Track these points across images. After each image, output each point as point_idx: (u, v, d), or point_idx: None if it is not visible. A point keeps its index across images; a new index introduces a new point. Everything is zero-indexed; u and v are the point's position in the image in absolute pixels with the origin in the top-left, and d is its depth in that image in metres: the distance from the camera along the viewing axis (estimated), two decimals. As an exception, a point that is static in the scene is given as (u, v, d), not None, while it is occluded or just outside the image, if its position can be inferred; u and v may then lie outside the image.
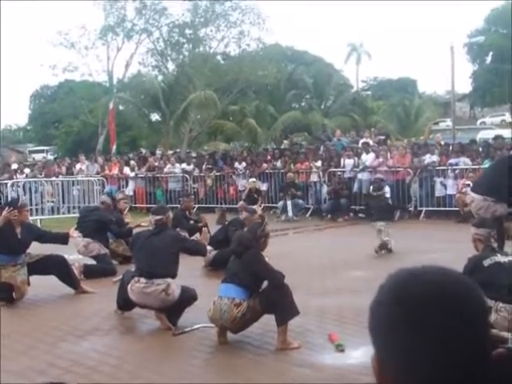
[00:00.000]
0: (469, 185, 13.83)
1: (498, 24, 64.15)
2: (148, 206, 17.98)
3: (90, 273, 8.72)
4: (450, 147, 16.34)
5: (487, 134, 29.36)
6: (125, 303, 6.48)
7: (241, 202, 15.10)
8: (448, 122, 42.87)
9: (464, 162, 14.72)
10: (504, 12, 63.14)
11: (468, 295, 1.05)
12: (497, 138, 15.90)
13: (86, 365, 5.26)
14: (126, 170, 19.08)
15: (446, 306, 1.03)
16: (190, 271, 8.34)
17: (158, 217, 6.48)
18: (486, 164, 14.52)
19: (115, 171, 19.12)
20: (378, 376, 1.09)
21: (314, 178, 16.45)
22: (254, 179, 15.93)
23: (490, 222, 6.02)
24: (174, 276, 6.22)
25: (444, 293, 1.04)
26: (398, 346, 1.05)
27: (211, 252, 8.76)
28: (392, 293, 1.09)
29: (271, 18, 52.35)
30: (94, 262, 9.13)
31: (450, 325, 1.02)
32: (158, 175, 18.43)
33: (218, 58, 36.95)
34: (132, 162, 19.84)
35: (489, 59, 66.13)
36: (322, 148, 18.80)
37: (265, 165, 17.46)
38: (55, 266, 7.70)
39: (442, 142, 17.15)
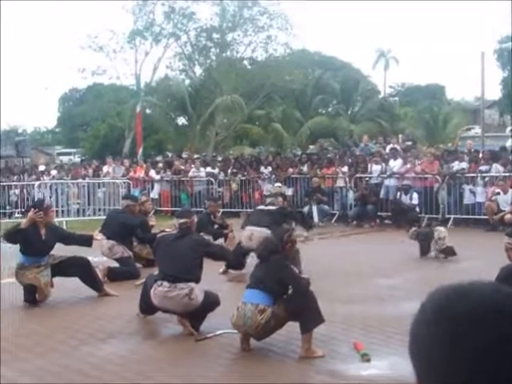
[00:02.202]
0: (499, 193, 13.62)
1: (529, 30, 63.20)
2: (173, 209, 17.96)
3: (113, 275, 8.69)
4: (480, 154, 16.06)
5: (517, 142, 28.88)
6: (147, 307, 6.41)
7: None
8: (477, 129, 42.34)
9: (496, 168, 14.45)
10: (536, 18, 62.25)
11: None
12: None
13: (105, 369, 5.20)
14: (152, 172, 19.10)
15: (499, 325, 0.91)
16: (214, 276, 8.26)
17: (183, 220, 6.41)
18: (517, 172, 14.27)
19: (141, 174, 19.15)
20: None
21: (340, 183, 16.28)
22: (279, 184, 15.80)
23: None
24: (197, 280, 6.14)
25: (496, 310, 0.93)
26: (444, 372, 0.93)
27: None
28: (436, 311, 0.97)
29: (299, 23, 52.26)
30: (117, 265, 9.09)
31: (504, 347, 0.90)
32: (184, 178, 18.41)
33: (245, 62, 36.97)
34: (159, 165, 19.86)
35: (519, 66, 65.22)
36: (348, 153, 18.63)
37: (290, 169, 17.34)
38: (79, 268, 7.67)
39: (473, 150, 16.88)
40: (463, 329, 0.92)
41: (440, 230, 10.50)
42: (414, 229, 10.70)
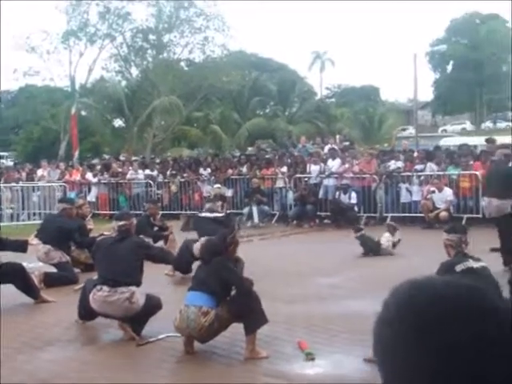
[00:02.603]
0: (434, 191, 13.94)
1: (459, 34, 65.33)
2: (111, 212, 17.65)
3: (50, 281, 8.42)
4: (415, 153, 16.41)
5: (449, 142, 29.77)
6: (86, 313, 6.24)
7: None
8: (411, 130, 43.37)
9: (430, 167, 14.78)
10: (464, 23, 64.39)
11: (489, 307, 0.90)
12: (462, 145, 16.07)
13: (42, 377, 5.01)
14: (89, 175, 18.72)
15: (466, 320, 0.87)
16: (155, 279, 8.11)
17: (122, 223, 6.27)
18: (451, 170, 14.63)
19: (77, 177, 18.73)
20: None
21: (279, 183, 16.34)
22: (218, 185, 15.73)
23: (461, 227, 5.96)
24: (138, 284, 6.01)
25: (461, 305, 0.89)
26: (410, 371, 0.89)
27: None
28: (399, 308, 0.93)
29: (236, 24, 52.31)
30: (54, 270, 8.83)
31: (471, 342, 0.86)
32: (122, 181, 18.11)
33: (182, 64, 36.77)
34: (96, 168, 19.47)
35: (450, 68, 67.28)
36: (287, 154, 18.72)
37: (230, 171, 17.30)
38: (13, 275, 7.39)
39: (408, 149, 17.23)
40: (428, 324, 0.89)
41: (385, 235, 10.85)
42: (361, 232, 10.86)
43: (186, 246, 8.83)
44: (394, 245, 10.76)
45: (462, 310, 0.89)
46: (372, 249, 10.59)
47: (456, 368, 0.86)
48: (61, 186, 17.79)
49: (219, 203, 10.06)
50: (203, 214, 9.48)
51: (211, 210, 9.37)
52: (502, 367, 0.84)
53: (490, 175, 9.80)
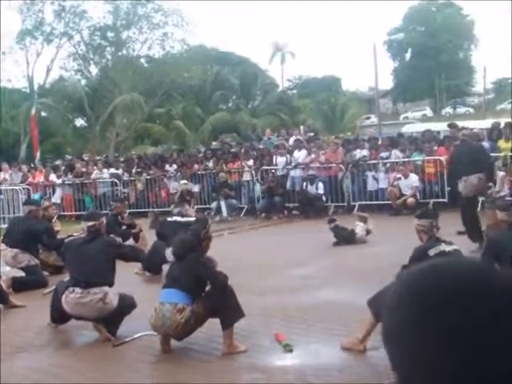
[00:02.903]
0: (400, 178, 14.07)
1: (416, 22, 66.06)
2: (77, 213, 17.43)
3: (18, 285, 8.25)
4: (380, 141, 16.53)
5: (411, 129, 30.05)
6: (59, 316, 6.12)
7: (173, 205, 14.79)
8: (373, 118, 43.73)
9: (395, 154, 14.90)
10: (421, 10, 65.16)
11: (500, 286, 0.87)
12: (425, 131, 16.23)
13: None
14: (52, 177, 18.42)
15: (480, 302, 0.85)
16: (126, 278, 8.01)
17: (91, 223, 6.16)
18: (415, 156, 14.78)
19: (40, 179, 18.42)
20: None
21: (246, 177, 16.31)
22: (185, 181, 15.62)
23: (432, 212, 6.01)
24: (111, 284, 5.92)
25: (475, 286, 0.87)
26: (423, 355, 0.86)
27: None
28: (410, 293, 0.90)
29: (195, 19, 51.98)
30: (22, 274, 8.65)
31: (483, 323, 0.84)
32: (86, 181, 17.87)
33: (142, 60, 36.46)
34: (60, 169, 19.17)
35: (408, 56, 68.02)
36: (252, 147, 18.68)
37: (196, 166, 17.20)
38: (-20, 281, 7.23)
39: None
40: (441, 308, 0.86)
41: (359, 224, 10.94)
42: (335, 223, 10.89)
43: (157, 249, 8.71)
44: (368, 233, 10.83)
45: (469, 291, 0.86)
46: (346, 238, 10.62)
47: (465, 351, 0.83)
48: (24, 188, 17.48)
49: (187, 207, 9.81)
50: (173, 219, 9.15)
51: (181, 214, 9.14)
52: None
53: (461, 155, 9.87)
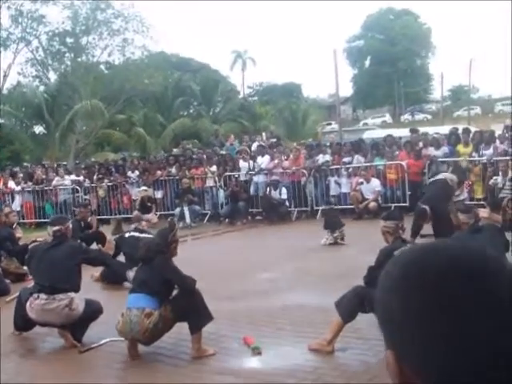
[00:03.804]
0: (362, 182, 14.22)
1: (375, 29, 67.03)
2: (37, 220, 17.16)
3: (-20, 294, 8.09)
4: (342, 147, 16.67)
5: (371, 135, 30.40)
6: (23, 323, 6.01)
7: (135, 212, 14.63)
8: (333, 125, 44.12)
9: (357, 159, 15.06)
10: (379, 18, 66.17)
11: (498, 269, 0.89)
12: (387, 136, 16.43)
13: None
14: (11, 183, 18.08)
15: (474, 281, 0.87)
16: (88, 284, 7.91)
17: (56, 228, 6.07)
18: (377, 161, 14.96)
19: (-1, 185, 18.08)
20: (397, 373, 0.91)
21: (209, 183, 16.27)
22: (145, 187, 15.48)
23: (397, 213, 6.10)
24: (77, 290, 5.84)
25: (470, 266, 0.88)
26: (420, 334, 0.87)
27: None
28: (405, 275, 0.91)
29: (155, 25, 51.71)
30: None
31: (481, 301, 0.85)
32: (47, 188, 17.60)
33: (102, 67, 36.09)
34: (19, 175, 18.83)
35: (367, 63, 68.94)
36: (214, 153, 18.65)
37: (159, 172, 17.09)
38: None
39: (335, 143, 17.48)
40: (436, 288, 0.87)
41: None
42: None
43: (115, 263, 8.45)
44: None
45: (469, 269, 0.88)
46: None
47: (467, 328, 0.85)
48: (-18, 195, 17.14)
49: (143, 223, 9.49)
50: (131, 234, 8.82)
51: (139, 230, 8.83)
52: None
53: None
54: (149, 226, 9.74)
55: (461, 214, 6.84)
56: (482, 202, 12.02)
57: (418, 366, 0.89)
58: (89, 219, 10.90)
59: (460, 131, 15.70)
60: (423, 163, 14.25)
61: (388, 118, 59.72)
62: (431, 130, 20.37)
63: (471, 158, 14.12)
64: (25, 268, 8.67)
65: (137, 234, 8.66)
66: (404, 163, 14.26)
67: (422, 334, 0.87)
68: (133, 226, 9.33)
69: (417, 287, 0.89)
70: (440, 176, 10.75)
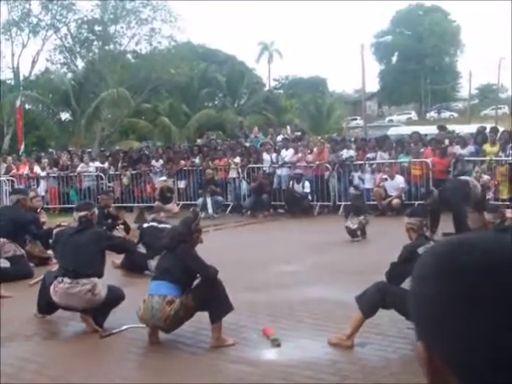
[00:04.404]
0: (386, 179, 14.15)
1: (403, 25, 66.43)
2: (61, 206, 17.34)
3: (4, 276, 8.16)
4: (366, 142, 16.58)
5: (396, 131, 30.20)
6: (47, 306, 6.09)
7: (156, 202, 14.74)
8: (358, 120, 43.92)
9: (381, 156, 14.98)
10: (408, 14, 65.54)
11: None
12: (413, 133, 16.33)
13: (4, 373, 4.86)
14: (37, 169, 18.27)
15: (505, 275, 0.86)
16: (112, 270, 7.99)
17: (83, 213, 6.14)
18: (402, 158, 14.87)
19: (25, 171, 18.26)
20: (428, 365, 0.92)
21: (233, 174, 16.30)
22: (164, 178, 15.56)
23: (422, 210, 6.07)
24: (100, 275, 5.90)
25: (502, 260, 0.88)
26: (453, 326, 0.87)
27: None
28: (440, 266, 0.91)
29: (183, 15, 51.84)
30: (7, 265, 8.58)
31: (510, 295, 0.85)
32: (72, 174, 17.76)
33: (129, 55, 36.28)
34: (44, 161, 19.01)
35: (395, 59, 68.39)
36: (238, 145, 18.67)
37: (182, 162, 17.16)
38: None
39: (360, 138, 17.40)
40: (471, 280, 0.87)
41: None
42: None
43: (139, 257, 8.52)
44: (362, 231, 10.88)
45: (500, 262, 0.88)
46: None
47: (496, 326, 0.85)
48: (8, 180, 17.34)
49: (162, 214, 9.63)
50: (149, 224, 8.94)
51: (157, 221, 8.95)
52: None
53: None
54: (169, 216, 9.83)
55: (487, 214, 6.80)
56: (507, 203, 11.91)
57: (446, 355, 0.89)
58: (114, 211, 10.94)
59: (488, 130, 15.53)
60: (449, 161, 14.14)
61: (413, 115, 59.24)
62: (457, 129, 20.20)
63: (497, 158, 13.97)
64: (48, 252, 8.81)
65: (155, 224, 8.77)
66: (429, 161, 14.15)
67: (450, 324, 0.88)
68: (151, 217, 9.41)
69: (448, 277, 0.89)
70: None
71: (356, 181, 15.04)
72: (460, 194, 9.89)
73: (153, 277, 5.58)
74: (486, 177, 13.03)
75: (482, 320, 0.86)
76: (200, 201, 15.50)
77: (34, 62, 33.64)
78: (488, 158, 13.90)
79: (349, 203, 11.74)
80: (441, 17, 65.25)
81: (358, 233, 10.77)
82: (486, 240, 0.94)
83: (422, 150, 14.85)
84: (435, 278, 0.91)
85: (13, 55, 32.74)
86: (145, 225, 9.07)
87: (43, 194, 17.41)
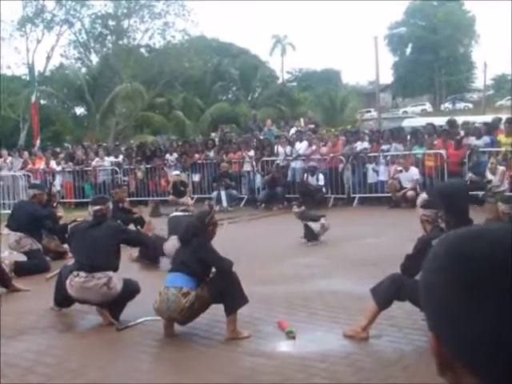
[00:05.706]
0: (400, 171, 14.09)
1: (417, 16, 65.90)
2: (76, 200, 17.45)
3: (21, 270, 8.26)
4: (381, 134, 16.52)
5: (411, 123, 30.04)
6: (63, 299, 6.14)
7: (171, 196, 14.83)
8: (372, 112, 43.72)
9: (395, 148, 14.92)
10: (422, 4, 65.01)
11: None
12: (427, 124, 16.23)
13: (20, 366, 4.92)
14: (53, 164, 18.40)
15: None
16: (127, 264, 8.04)
17: (98, 207, 6.18)
18: (416, 150, 14.80)
19: (41, 166, 18.39)
20: (437, 355, 0.92)
21: (247, 167, 16.31)
22: (177, 172, 15.64)
23: (437, 202, 6.03)
24: (115, 269, 5.95)
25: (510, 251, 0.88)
26: (465, 318, 0.88)
27: None
28: (448, 256, 0.91)
29: (196, 9, 51.85)
30: (24, 259, 8.67)
31: None
32: (87, 168, 17.87)
33: (143, 50, 36.36)
34: (60, 156, 19.14)
35: (408, 50, 67.89)
36: (253, 138, 18.67)
37: (197, 155, 17.20)
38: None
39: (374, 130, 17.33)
40: (483, 270, 0.88)
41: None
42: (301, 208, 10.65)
43: (153, 242, 8.65)
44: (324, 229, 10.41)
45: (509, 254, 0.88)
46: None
47: (507, 309, 0.85)
48: (24, 175, 17.47)
49: (182, 207, 9.81)
50: (174, 214, 9.25)
51: (183, 211, 9.20)
52: None
53: None
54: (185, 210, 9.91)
55: (501, 204, 6.76)
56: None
57: (453, 346, 0.89)
58: (129, 206, 11.04)
59: (503, 120, 15.40)
60: (463, 153, 14.05)
61: (428, 106, 58.82)
62: (472, 120, 20.06)
63: (512, 149, 13.86)
64: (65, 246, 8.87)
65: (179, 213, 9.00)
66: (444, 152, 14.07)
67: (457, 314, 0.88)
68: (180, 208, 9.53)
69: (455, 267, 0.89)
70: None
71: (370, 173, 15.01)
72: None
73: (170, 269, 5.62)
74: (501, 168, 12.96)
75: (487, 310, 0.86)
76: (214, 194, 15.55)
77: (48, 58, 33.83)
78: (503, 149, 13.79)
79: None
80: (455, 7, 64.65)
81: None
82: (494, 231, 0.94)
83: (436, 142, 14.78)
84: (443, 268, 0.91)
85: (28, 51, 32.97)
86: (171, 214, 9.31)
87: (59, 188, 17.54)
